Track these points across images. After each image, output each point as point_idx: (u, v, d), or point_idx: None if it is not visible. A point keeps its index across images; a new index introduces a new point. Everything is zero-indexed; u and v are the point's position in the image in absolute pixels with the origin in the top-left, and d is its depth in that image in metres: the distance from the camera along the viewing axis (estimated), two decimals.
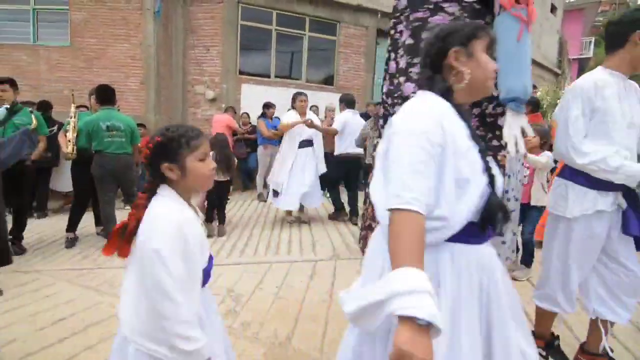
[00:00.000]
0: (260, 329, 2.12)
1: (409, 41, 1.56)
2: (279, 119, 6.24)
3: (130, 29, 6.44)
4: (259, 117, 5.89)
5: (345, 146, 4.43)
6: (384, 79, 1.76)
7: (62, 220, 4.30)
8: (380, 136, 1.91)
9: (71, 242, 3.49)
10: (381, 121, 1.86)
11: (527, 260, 2.96)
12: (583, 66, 21.71)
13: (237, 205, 5.45)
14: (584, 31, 22.64)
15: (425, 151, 0.81)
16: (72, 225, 3.56)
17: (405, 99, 1.56)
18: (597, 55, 22.45)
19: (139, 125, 5.53)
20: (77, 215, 3.59)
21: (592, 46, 22.98)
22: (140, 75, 6.50)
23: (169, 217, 0.93)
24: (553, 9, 13.33)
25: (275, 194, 4.27)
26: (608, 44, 1.49)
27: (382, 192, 0.94)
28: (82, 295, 2.47)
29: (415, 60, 1.53)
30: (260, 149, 5.92)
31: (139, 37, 6.43)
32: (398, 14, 1.64)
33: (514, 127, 1.40)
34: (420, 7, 1.52)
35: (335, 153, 4.53)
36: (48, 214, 4.64)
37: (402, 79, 1.60)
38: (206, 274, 1.05)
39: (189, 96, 7.00)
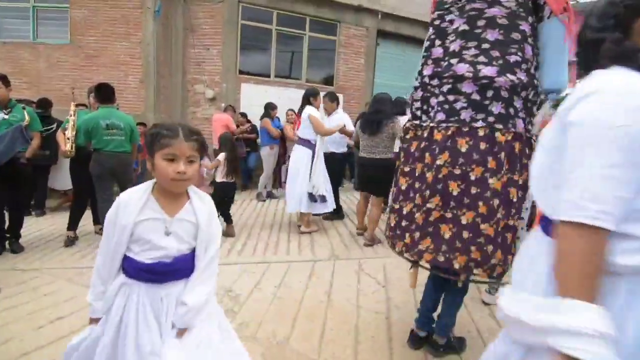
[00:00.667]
0: (258, 329, 2.12)
1: (464, 27, 1.67)
2: (279, 119, 6.28)
3: (130, 27, 6.44)
4: (263, 117, 5.89)
5: (330, 145, 4.48)
6: (424, 64, 1.84)
7: (61, 218, 4.31)
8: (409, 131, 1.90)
9: (71, 241, 3.49)
10: (418, 104, 1.88)
11: None
12: None
13: (236, 205, 5.45)
14: None
15: (623, 152, 0.64)
16: (73, 224, 3.55)
17: (458, 78, 1.63)
18: None
19: (139, 124, 5.55)
20: (78, 213, 3.59)
21: None
22: (140, 73, 6.49)
23: (120, 195, 1.12)
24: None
25: (313, 198, 3.87)
26: None
27: (549, 192, 0.79)
28: (82, 294, 2.47)
29: (470, 44, 1.64)
30: (266, 149, 5.91)
31: (138, 35, 6.43)
32: (447, 6, 1.76)
33: (547, 112, 1.64)
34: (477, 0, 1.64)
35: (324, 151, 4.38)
36: (46, 212, 4.64)
37: (454, 60, 1.66)
38: (149, 270, 1.08)
39: (188, 95, 7.00)
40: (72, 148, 3.39)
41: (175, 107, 6.89)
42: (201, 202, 1.16)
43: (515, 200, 1.58)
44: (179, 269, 1.11)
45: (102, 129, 3.25)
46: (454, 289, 1.87)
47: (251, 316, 2.26)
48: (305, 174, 3.90)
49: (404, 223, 1.80)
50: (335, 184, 4.56)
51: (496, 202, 1.55)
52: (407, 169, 1.86)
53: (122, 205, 1.07)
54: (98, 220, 3.84)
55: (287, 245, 3.64)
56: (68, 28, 6.40)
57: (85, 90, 3.92)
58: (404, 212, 1.81)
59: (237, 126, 6.18)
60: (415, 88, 1.86)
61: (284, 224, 4.41)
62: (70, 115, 3.50)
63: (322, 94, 4.35)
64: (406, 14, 7.94)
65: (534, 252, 0.86)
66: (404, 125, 1.96)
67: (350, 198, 6.10)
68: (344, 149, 4.75)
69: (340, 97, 7.24)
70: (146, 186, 1.12)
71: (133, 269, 1.08)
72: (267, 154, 5.90)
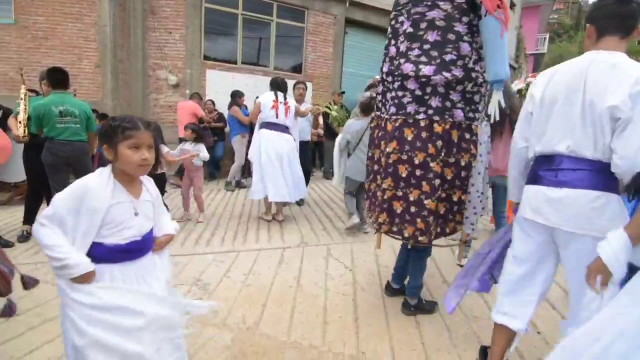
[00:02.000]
0: (228, 316, 2.14)
1: (410, 29, 1.86)
2: (247, 107, 6.17)
3: (83, 7, 6.00)
4: (233, 106, 5.76)
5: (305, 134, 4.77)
6: (384, 61, 2.06)
7: (11, 213, 4.03)
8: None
9: (26, 237, 3.28)
10: (379, 97, 2.14)
11: None
12: (538, 61, 23.04)
13: (204, 195, 5.35)
14: (540, 28, 23.93)
15: None
16: (29, 217, 3.33)
17: (404, 76, 1.87)
18: (551, 51, 23.89)
19: (102, 116, 5.24)
20: (35, 206, 3.36)
21: (546, 42, 24.39)
22: (96, 57, 6.10)
23: (83, 179, 1.16)
24: (512, 5, 13.93)
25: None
26: (614, 25, 1.30)
27: None
28: (38, 289, 2.35)
29: (414, 45, 1.84)
30: (237, 138, 5.80)
31: (92, 16, 6.01)
32: (400, 8, 1.94)
33: (494, 101, 1.84)
34: (420, 3, 1.82)
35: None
36: None
37: (402, 60, 1.87)
38: (124, 250, 1.19)
39: (150, 81, 6.68)
40: (25, 132, 3.16)
41: (136, 94, 6.56)
42: (150, 183, 1.34)
43: (450, 177, 1.90)
44: (147, 244, 1.28)
45: (55, 116, 3.05)
46: (415, 254, 2.22)
47: (220, 304, 2.27)
48: (293, 161, 3.97)
49: (371, 200, 2.16)
50: (308, 170, 4.72)
51: (437, 182, 1.86)
52: (370, 154, 2.23)
53: (91, 190, 1.13)
54: None
55: (256, 234, 3.64)
56: (12, 6, 5.86)
57: (33, 75, 3.65)
58: (370, 191, 2.18)
59: (208, 113, 6.03)
60: (379, 82, 2.10)
61: (253, 213, 4.40)
62: (21, 99, 3.25)
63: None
64: (374, 4, 8.00)
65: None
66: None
67: (320, 187, 6.16)
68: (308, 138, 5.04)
69: (309, 85, 7.24)
70: (106, 172, 1.20)
71: (104, 253, 1.16)
72: (240, 143, 5.80)
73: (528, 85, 3.58)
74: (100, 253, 1.15)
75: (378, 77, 2.29)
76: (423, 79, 1.81)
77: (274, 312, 2.21)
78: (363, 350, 1.88)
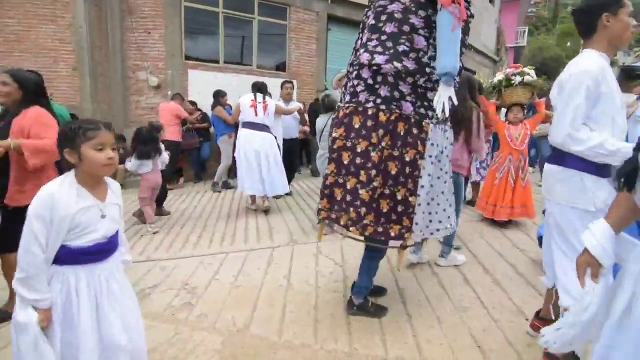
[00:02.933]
0: (217, 319, 2.11)
1: (372, 22, 1.90)
2: (231, 107, 6.10)
3: (57, 8, 5.81)
4: (217, 106, 5.68)
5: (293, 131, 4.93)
6: (352, 54, 2.06)
7: None
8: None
9: None
10: (343, 88, 2.11)
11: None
12: (519, 54, 23.49)
13: (190, 197, 5.27)
14: (519, 21, 24.41)
15: None
16: None
17: (361, 65, 1.87)
18: (531, 44, 24.39)
19: (74, 116, 5.08)
20: None
21: (526, 35, 24.88)
22: (72, 60, 5.92)
23: (46, 188, 1.14)
24: (491, 0, 14.15)
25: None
26: (581, 30, 1.57)
27: None
28: None
29: (373, 37, 1.87)
30: (224, 139, 5.72)
31: (68, 17, 5.83)
32: (371, 3, 1.98)
33: (444, 96, 1.74)
34: None
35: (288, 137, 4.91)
36: None
37: (362, 50, 1.90)
38: (89, 253, 1.20)
39: (130, 83, 6.52)
40: None
41: (116, 97, 6.40)
42: (115, 185, 1.33)
43: (394, 172, 1.82)
44: (113, 247, 1.29)
45: None
46: (367, 254, 2.14)
47: (210, 307, 2.23)
48: (271, 158, 4.11)
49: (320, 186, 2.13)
50: (294, 167, 4.79)
51: (374, 172, 1.81)
52: (329, 144, 2.15)
53: (56, 199, 1.13)
54: None
55: (245, 235, 3.60)
56: None
57: None
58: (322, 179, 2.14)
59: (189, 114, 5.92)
60: (326, 89, 2.10)
61: (240, 214, 4.35)
62: None
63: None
64: (356, 0, 7.99)
65: None
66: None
67: (308, 184, 6.14)
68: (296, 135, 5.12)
69: (295, 83, 7.18)
70: (69, 178, 1.19)
71: (71, 255, 1.17)
72: (226, 144, 5.72)
73: (507, 76, 3.61)
74: (64, 256, 1.16)
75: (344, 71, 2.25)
76: (375, 68, 1.82)
77: (265, 312, 2.19)
78: (356, 346, 1.88)
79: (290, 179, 5.01)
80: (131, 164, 3.63)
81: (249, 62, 7.49)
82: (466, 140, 2.65)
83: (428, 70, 1.83)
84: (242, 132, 4.09)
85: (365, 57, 1.86)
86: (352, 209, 1.85)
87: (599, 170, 1.46)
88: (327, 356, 1.80)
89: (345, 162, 1.89)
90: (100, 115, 6.01)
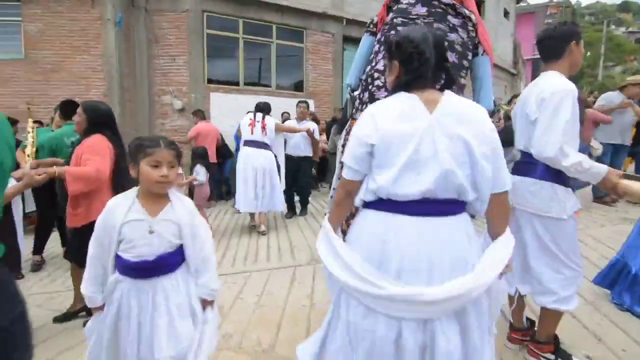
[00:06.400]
0: (242, 339, 2.13)
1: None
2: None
3: (89, 39, 6.23)
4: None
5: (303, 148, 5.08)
6: (373, 77, 2.01)
7: (26, 242, 4.08)
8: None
9: (38, 266, 3.32)
10: (363, 106, 2.06)
11: None
12: (537, 65, 23.19)
13: (212, 216, 5.38)
14: (536, 33, 24.18)
15: None
16: (38, 248, 3.39)
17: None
18: None
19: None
20: (43, 236, 3.43)
21: None
22: (103, 87, 6.28)
23: (109, 201, 1.26)
24: (506, 13, 14.17)
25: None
26: (547, 54, 1.69)
27: None
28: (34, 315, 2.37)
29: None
30: None
31: (99, 48, 6.23)
32: (414, 17, 1.95)
33: None
34: (442, 22, 1.85)
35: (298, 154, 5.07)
36: None
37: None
38: (134, 268, 1.22)
39: (156, 107, 6.84)
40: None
41: (142, 120, 6.71)
42: (181, 203, 1.31)
43: None
44: (161, 265, 1.24)
45: (66, 147, 3.13)
46: None
47: (235, 327, 2.26)
48: (268, 175, 4.24)
49: None
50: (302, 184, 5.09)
51: None
52: None
53: (111, 209, 1.23)
54: (67, 242, 3.67)
55: (267, 253, 3.64)
56: (21, 42, 6.10)
57: (42, 107, 3.76)
58: None
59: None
60: (378, 87, 1.99)
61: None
62: (29, 133, 3.34)
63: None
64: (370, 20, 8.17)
65: None
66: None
67: (327, 202, 6.16)
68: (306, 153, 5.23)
69: (311, 102, 7.35)
70: (132, 192, 1.28)
71: (122, 267, 1.23)
72: None
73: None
74: (121, 266, 1.24)
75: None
76: None
77: (289, 332, 2.19)
78: None
79: (302, 196, 5.15)
80: (201, 175, 4.05)
81: (267, 83, 7.73)
82: None
83: None
84: (242, 150, 4.29)
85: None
86: None
87: (567, 181, 1.60)
88: None
89: None
90: (127, 139, 6.28)
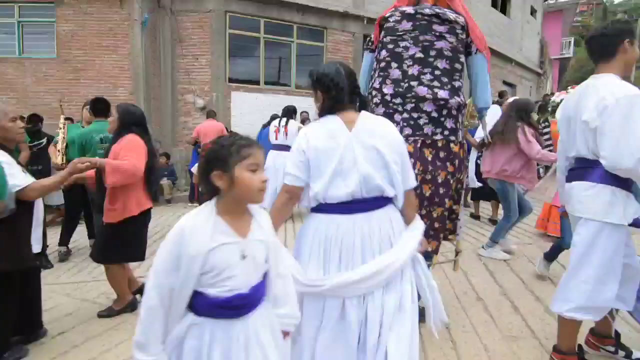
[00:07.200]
0: None
1: (419, 55, 1.98)
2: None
3: (117, 39, 6.45)
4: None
5: None
6: (382, 83, 2.08)
7: (56, 233, 4.28)
8: None
9: (64, 255, 3.48)
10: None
11: None
12: (564, 65, 22.33)
13: None
14: (564, 32, 23.26)
15: None
16: (65, 239, 3.55)
17: (420, 98, 1.96)
18: (578, 54, 23.13)
19: (162, 154, 5.57)
20: (70, 228, 3.58)
21: (572, 46, 23.61)
22: (130, 85, 6.50)
23: (180, 221, 0.94)
24: (533, 11, 13.72)
25: None
26: (598, 54, 1.60)
27: None
28: (83, 308, 2.48)
29: (425, 70, 1.97)
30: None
31: (126, 47, 6.44)
32: (400, 34, 2.02)
33: (486, 124, 2.34)
34: (428, 33, 1.95)
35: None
36: None
37: (414, 82, 1.97)
38: (226, 306, 0.94)
39: (179, 105, 7.02)
40: (63, 160, 3.39)
41: (166, 118, 6.90)
42: (262, 217, 1.06)
43: (428, 194, 2.06)
44: (256, 298, 0.99)
45: (96, 143, 3.26)
46: None
47: None
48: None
49: None
50: None
51: (455, 198, 2.11)
52: None
53: (188, 233, 0.91)
54: (93, 234, 3.83)
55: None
56: (54, 42, 6.39)
57: (73, 104, 3.92)
58: None
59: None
60: (376, 104, 2.09)
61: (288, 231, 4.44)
62: (60, 129, 3.50)
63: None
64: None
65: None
66: None
67: None
68: None
69: None
70: (207, 208, 0.97)
71: (206, 306, 0.93)
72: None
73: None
74: (201, 305, 0.93)
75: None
76: (441, 102, 1.95)
77: None
78: None
79: None
80: None
81: (287, 83, 7.79)
82: (519, 150, 3.05)
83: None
84: (269, 153, 4.67)
85: (424, 91, 1.94)
86: (441, 235, 2.09)
87: (630, 185, 1.51)
88: None
89: (427, 195, 2.00)
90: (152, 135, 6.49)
